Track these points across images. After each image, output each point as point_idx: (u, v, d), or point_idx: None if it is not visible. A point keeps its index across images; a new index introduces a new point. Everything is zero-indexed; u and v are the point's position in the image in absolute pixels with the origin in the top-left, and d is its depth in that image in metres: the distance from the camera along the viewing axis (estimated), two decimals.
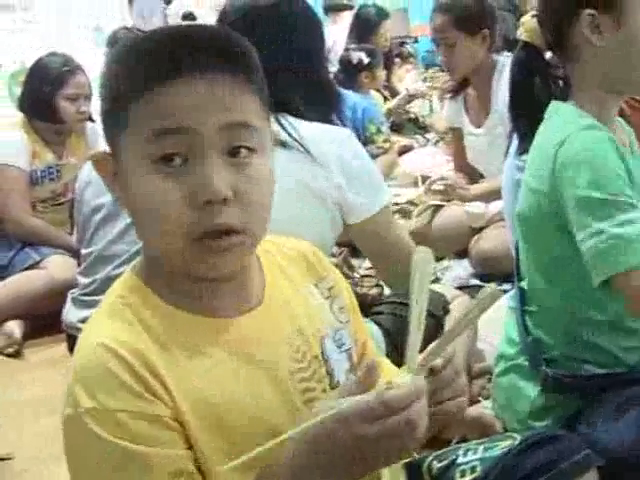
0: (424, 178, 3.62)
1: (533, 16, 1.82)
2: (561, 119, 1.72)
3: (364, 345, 1.31)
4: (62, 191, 3.74)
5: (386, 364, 1.34)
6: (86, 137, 3.89)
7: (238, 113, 1.04)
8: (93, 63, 4.79)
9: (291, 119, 1.82)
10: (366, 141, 3.91)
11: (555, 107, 1.77)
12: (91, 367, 1.01)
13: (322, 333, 1.19)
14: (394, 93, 5.32)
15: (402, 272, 1.76)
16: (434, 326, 1.96)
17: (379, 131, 4.02)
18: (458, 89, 3.41)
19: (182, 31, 1.10)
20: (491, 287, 1.02)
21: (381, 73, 4.78)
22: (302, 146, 1.82)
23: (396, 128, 4.88)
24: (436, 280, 2.70)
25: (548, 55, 1.82)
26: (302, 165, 1.83)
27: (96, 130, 3.86)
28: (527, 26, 1.84)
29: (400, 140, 4.68)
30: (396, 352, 1.72)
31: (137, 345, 1.02)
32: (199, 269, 1.06)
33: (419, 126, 5.06)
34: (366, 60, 4.56)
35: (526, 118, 1.88)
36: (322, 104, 2.02)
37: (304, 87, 1.93)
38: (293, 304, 1.18)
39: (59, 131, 3.74)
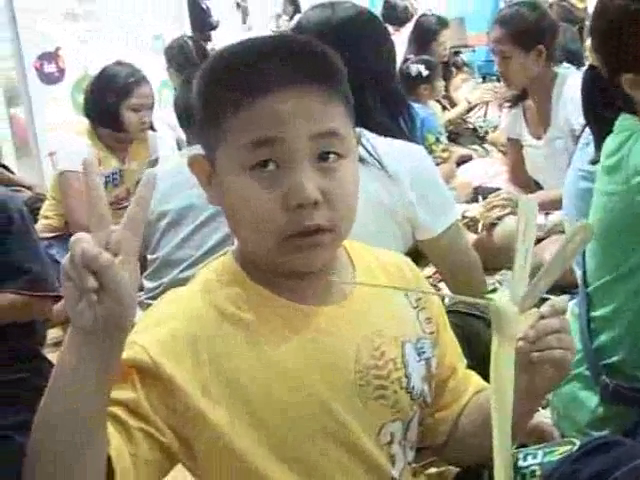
0: (483, 191, 3.61)
1: None
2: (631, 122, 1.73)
3: (453, 370, 1.34)
4: (124, 196, 3.81)
5: (475, 377, 1.38)
6: (147, 143, 3.97)
7: (327, 123, 1.09)
8: (153, 71, 4.91)
9: (369, 135, 1.82)
10: (426, 150, 3.84)
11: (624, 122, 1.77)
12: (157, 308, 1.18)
13: (404, 338, 1.22)
14: (453, 103, 5.29)
15: (466, 280, 1.92)
16: (483, 326, 1.96)
17: (438, 141, 4.02)
18: (516, 100, 3.39)
19: (275, 44, 1.16)
20: (581, 223, 1.05)
21: (440, 84, 4.76)
22: (379, 163, 1.83)
23: (454, 138, 4.84)
24: (493, 290, 2.64)
25: None
26: (378, 182, 1.83)
27: (156, 136, 4.03)
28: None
29: (458, 150, 4.64)
30: None
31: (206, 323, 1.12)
32: (289, 264, 1.12)
33: (477, 136, 5.02)
34: (425, 72, 4.56)
35: (600, 129, 1.88)
36: (396, 117, 2.04)
37: (379, 100, 1.95)
38: (378, 305, 1.22)
39: (122, 139, 3.80)
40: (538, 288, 1.05)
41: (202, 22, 7.96)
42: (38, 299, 2.03)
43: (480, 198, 3.45)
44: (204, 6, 8.53)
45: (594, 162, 1.92)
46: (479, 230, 3.18)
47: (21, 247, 2.00)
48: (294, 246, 1.10)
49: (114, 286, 0.89)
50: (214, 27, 8.43)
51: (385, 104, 1.98)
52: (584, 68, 2.04)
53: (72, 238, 0.90)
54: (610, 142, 1.76)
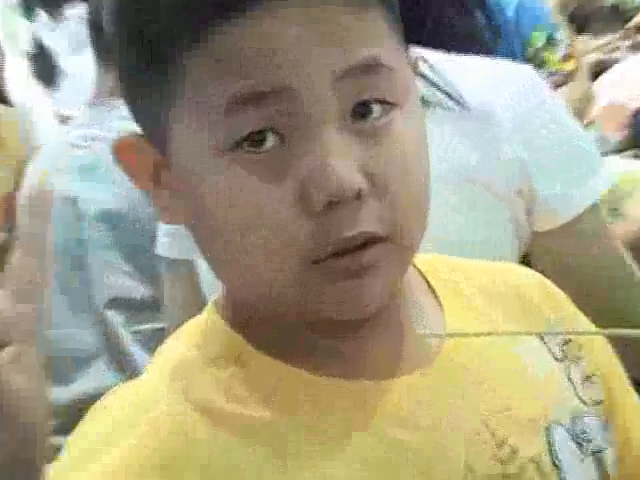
0: None
1: None
2: None
3: (626, 443, 1.04)
4: None
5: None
6: (15, 133, 3.15)
7: (362, 49, 0.80)
8: None
9: (433, 56, 1.41)
10: (531, 64, 2.55)
11: None
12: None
13: (549, 419, 0.95)
14: None
15: (611, 303, 1.53)
16: None
17: (551, 42, 2.80)
18: None
19: None
20: None
21: None
22: (458, 102, 1.44)
23: (581, 26, 3.46)
24: None
25: None
26: (460, 135, 1.43)
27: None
28: None
29: (590, 47, 3.35)
30: None
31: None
32: (324, 309, 0.83)
33: (621, 17, 3.57)
34: None
35: None
36: (471, 12, 1.72)
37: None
38: (495, 367, 0.95)
39: None
40: None
41: None
42: None
43: None
44: None
45: None
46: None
47: None
48: (328, 277, 0.80)
49: (3, 400, 0.67)
50: None
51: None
52: None
53: None
54: None
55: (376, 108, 0.79)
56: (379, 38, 0.81)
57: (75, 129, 2.45)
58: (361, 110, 0.79)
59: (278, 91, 0.76)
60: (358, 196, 0.76)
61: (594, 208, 1.50)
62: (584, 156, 1.52)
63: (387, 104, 0.80)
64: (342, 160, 0.77)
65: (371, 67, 0.79)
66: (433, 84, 1.43)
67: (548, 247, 1.51)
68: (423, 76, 1.42)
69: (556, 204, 1.47)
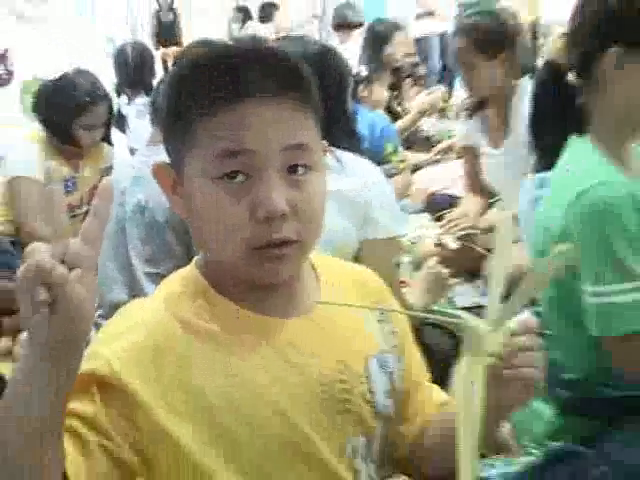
0: (436, 200, 3.63)
1: (563, 35, 1.82)
2: (580, 167, 1.72)
3: (416, 384, 1.35)
4: (77, 204, 3.73)
5: (437, 391, 1.39)
6: (101, 150, 3.87)
7: (299, 136, 1.09)
8: (105, 74, 4.90)
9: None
10: (381, 161, 3.80)
11: (574, 146, 1.77)
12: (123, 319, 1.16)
13: (368, 353, 1.22)
14: (407, 113, 5.17)
15: None
16: (453, 344, 2.02)
17: (395, 151, 3.96)
18: (475, 109, 3.38)
19: (252, 52, 1.14)
20: (566, 246, 1.04)
21: (381, 89, 4.69)
22: (341, 164, 1.95)
23: (409, 146, 4.78)
24: (450, 301, 2.74)
25: (570, 77, 1.81)
26: (340, 179, 1.92)
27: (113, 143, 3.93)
28: (555, 45, 1.85)
29: (411, 157, 4.56)
30: None
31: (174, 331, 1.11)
32: (255, 275, 1.11)
33: (431, 145, 4.99)
34: (364, 72, 4.46)
35: (545, 136, 1.89)
36: (348, 136, 2.18)
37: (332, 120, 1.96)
38: (344, 320, 1.21)
39: (73, 149, 3.72)
40: (513, 306, 1.05)
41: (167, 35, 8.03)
42: None
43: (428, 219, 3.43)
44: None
45: (539, 170, 1.93)
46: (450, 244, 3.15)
47: None
48: (261, 258, 1.09)
49: (68, 301, 0.86)
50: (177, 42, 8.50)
51: (339, 125, 2.10)
52: None
53: (27, 248, 0.87)
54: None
55: (301, 169, 1.09)
56: (308, 129, 1.11)
57: (137, 157, 2.90)
58: (292, 169, 1.09)
59: (247, 151, 1.05)
60: (283, 216, 1.06)
61: (397, 239, 2.11)
62: (398, 213, 2.17)
63: (308, 168, 1.10)
64: (277, 194, 1.06)
65: (301, 146, 1.09)
66: (331, 157, 1.94)
67: (368, 248, 2.04)
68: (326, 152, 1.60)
69: (382, 226, 2.04)
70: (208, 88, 1.07)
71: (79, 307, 0.87)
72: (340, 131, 2.10)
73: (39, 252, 0.86)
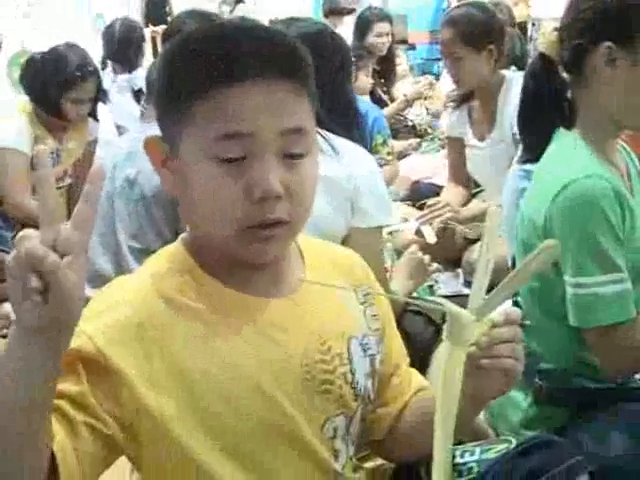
0: (421, 188, 3.62)
1: (555, 29, 1.83)
2: (566, 159, 1.74)
3: (396, 367, 1.36)
4: (61, 176, 3.72)
5: (417, 375, 1.40)
6: (86, 124, 3.87)
7: (295, 119, 1.10)
8: (94, 49, 4.86)
9: (322, 131, 1.86)
10: (369, 151, 3.80)
11: (560, 139, 1.79)
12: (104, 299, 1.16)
13: (350, 334, 1.23)
14: (393, 100, 5.25)
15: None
16: (433, 332, 2.03)
17: (385, 143, 3.96)
18: (462, 100, 3.39)
19: (250, 33, 1.13)
20: (552, 242, 1.05)
21: (363, 76, 4.71)
22: (334, 150, 1.91)
23: (393, 134, 4.63)
24: (431, 286, 2.73)
25: (561, 71, 1.82)
26: (332, 165, 1.89)
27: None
28: (547, 38, 1.85)
29: (396, 146, 4.59)
30: None
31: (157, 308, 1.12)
32: (245, 254, 1.13)
33: (417, 134, 5.02)
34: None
35: (534, 128, 1.90)
36: (346, 121, 2.16)
37: (331, 105, 1.98)
38: (327, 301, 1.22)
39: (59, 122, 3.73)
40: (497, 298, 1.05)
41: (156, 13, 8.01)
42: None
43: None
44: None
45: (524, 161, 1.94)
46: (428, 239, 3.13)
47: None
48: (252, 236, 1.10)
49: (59, 288, 0.86)
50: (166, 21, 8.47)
51: (336, 108, 2.06)
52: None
53: (19, 235, 0.87)
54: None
55: (297, 153, 1.10)
56: (305, 113, 1.12)
57: (128, 134, 3.01)
58: (289, 152, 1.10)
59: (245, 134, 1.06)
60: (278, 197, 1.07)
61: (381, 231, 2.09)
62: (387, 203, 2.08)
63: (303, 152, 1.11)
64: (273, 176, 1.07)
65: (299, 130, 1.10)
66: (325, 141, 1.91)
67: (354, 236, 2.01)
68: (321, 136, 1.81)
69: (368, 214, 2.00)
70: (206, 70, 1.07)
71: (70, 293, 0.87)
72: (339, 116, 2.09)
73: (30, 239, 0.86)
